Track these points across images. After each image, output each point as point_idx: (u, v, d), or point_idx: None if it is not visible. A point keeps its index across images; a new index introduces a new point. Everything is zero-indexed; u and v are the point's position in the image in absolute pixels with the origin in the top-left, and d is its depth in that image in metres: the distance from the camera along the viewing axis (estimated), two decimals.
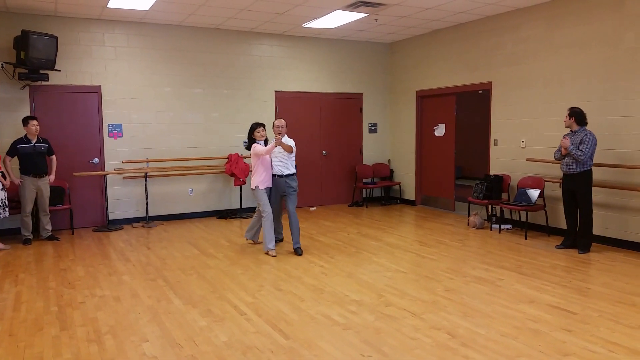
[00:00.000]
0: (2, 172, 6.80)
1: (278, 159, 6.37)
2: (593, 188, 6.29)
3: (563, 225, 6.77)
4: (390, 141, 10.74)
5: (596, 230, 6.59)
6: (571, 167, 6.18)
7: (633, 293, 4.79)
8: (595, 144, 6.10)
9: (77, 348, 3.71)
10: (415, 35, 9.80)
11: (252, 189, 6.40)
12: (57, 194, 7.59)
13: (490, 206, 8.03)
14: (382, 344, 3.71)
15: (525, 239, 7.09)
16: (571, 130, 6.28)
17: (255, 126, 6.47)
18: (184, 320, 4.23)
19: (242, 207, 9.26)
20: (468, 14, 8.01)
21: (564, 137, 6.28)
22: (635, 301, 4.57)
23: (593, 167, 6.22)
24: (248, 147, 6.55)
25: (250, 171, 6.47)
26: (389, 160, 10.77)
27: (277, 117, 9.38)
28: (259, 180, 6.36)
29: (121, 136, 8.36)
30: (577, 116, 6.20)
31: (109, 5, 7.26)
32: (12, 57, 7.34)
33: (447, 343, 3.72)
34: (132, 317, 4.30)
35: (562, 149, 6.19)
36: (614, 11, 6.47)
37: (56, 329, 4.08)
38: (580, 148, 6.06)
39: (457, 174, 10.40)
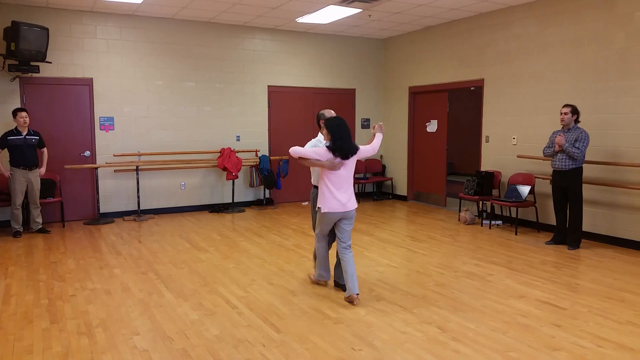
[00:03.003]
0: None
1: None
2: (583, 185, 6.34)
3: (553, 221, 6.83)
4: (383, 137, 10.71)
5: (585, 226, 6.65)
6: (564, 163, 6.21)
7: (621, 289, 4.85)
8: (589, 142, 6.16)
9: (68, 341, 3.70)
10: (408, 32, 9.81)
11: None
12: (48, 187, 7.55)
13: (481, 202, 8.08)
14: (373, 338, 3.73)
15: (516, 234, 7.14)
16: (563, 128, 6.33)
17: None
18: (175, 313, 4.23)
19: (234, 201, 9.25)
20: (461, 10, 8.03)
21: (556, 134, 6.32)
22: (624, 297, 4.63)
23: (583, 164, 6.27)
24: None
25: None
26: (381, 156, 10.79)
27: (270, 112, 9.46)
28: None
29: (113, 129, 8.31)
30: (578, 114, 6.26)
31: None
32: (2, 49, 7.27)
33: (438, 337, 3.75)
34: (123, 311, 4.29)
35: (557, 146, 6.22)
36: (605, 11, 6.51)
37: (46, 321, 4.06)
38: (576, 146, 6.10)
39: (449, 170, 10.43)
